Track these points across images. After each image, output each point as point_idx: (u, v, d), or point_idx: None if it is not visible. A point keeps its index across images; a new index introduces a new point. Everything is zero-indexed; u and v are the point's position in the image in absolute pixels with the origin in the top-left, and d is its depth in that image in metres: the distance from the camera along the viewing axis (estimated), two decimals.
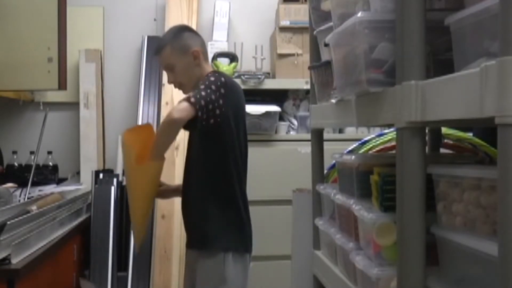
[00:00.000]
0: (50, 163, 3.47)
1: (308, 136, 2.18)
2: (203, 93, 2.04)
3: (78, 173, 3.55)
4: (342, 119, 1.61)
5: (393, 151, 1.53)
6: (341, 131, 3.51)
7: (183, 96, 2.18)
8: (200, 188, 2.21)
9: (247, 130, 2.30)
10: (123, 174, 3.45)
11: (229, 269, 2.15)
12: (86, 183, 3.38)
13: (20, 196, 2.84)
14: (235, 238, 2.20)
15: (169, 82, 2.30)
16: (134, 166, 2.11)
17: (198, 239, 2.21)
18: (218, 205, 2.18)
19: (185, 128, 2.08)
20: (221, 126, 2.10)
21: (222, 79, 2.13)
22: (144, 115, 3.54)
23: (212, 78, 2.11)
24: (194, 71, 2.24)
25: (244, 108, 2.29)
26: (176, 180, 3.13)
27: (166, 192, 2.39)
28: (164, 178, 2.33)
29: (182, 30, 2.33)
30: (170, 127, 2.04)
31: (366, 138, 2.00)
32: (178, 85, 2.28)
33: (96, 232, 3.19)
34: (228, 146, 2.17)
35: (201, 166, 2.20)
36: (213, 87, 2.07)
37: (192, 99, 2.00)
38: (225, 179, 2.20)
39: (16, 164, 3.39)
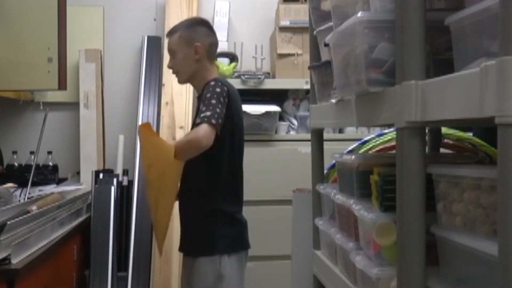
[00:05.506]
0: (50, 163, 3.47)
1: (308, 136, 2.18)
2: (218, 110, 2.08)
3: (78, 173, 3.55)
4: (342, 119, 1.61)
5: (393, 151, 1.53)
6: (341, 131, 3.51)
7: (179, 84, 2.38)
8: (200, 194, 2.23)
9: (246, 130, 2.34)
10: (123, 174, 3.45)
11: (226, 267, 2.18)
12: (86, 183, 3.37)
13: (20, 196, 2.83)
14: (233, 240, 2.23)
15: (168, 66, 2.36)
16: (172, 161, 2.09)
17: (196, 247, 2.23)
18: (217, 209, 2.21)
19: None
20: (223, 136, 2.14)
21: (225, 88, 2.18)
22: (144, 115, 3.54)
23: (218, 89, 2.15)
24: (191, 65, 2.28)
25: (241, 112, 2.33)
26: None
27: None
28: None
29: (199, 23, 2.36)
30: (195, 150, 2.07)
31: (366, 138, 2.00)
32: (175, 72, 2.34)
33: (96, 232, 3.19)
34: (227, 152, 2.21)
35: (203, 172, 2.22)
36: (221, 99, 2.12)
37: (213, 121, 2.04)
38: (224, 182, 2.23)
39: (16, 164, 3.38)
